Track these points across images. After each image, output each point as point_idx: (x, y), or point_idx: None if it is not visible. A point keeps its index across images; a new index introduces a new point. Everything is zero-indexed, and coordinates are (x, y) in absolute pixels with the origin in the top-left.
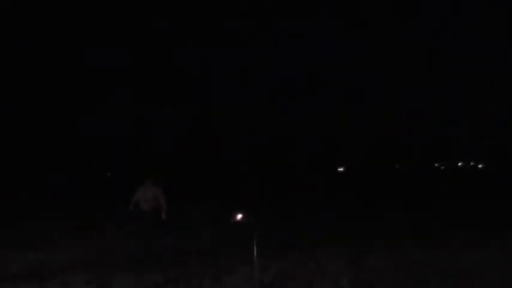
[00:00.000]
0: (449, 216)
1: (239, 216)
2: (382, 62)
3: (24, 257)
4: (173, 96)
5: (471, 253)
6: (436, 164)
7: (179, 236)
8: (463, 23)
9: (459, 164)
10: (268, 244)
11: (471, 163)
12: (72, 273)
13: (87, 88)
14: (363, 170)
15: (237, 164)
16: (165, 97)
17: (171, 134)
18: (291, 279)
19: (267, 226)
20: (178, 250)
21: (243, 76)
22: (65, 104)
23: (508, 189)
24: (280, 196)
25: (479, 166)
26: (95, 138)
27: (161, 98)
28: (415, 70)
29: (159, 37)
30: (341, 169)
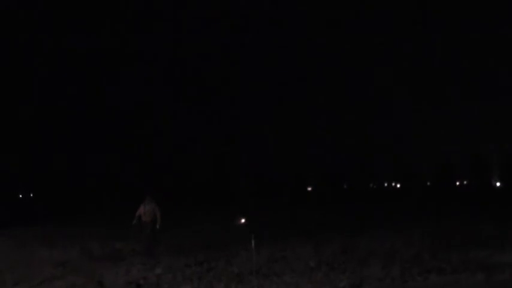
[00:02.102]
0: (391, 216)
1: (242, 220)
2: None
3: (107, 245)
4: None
5: (397, 238)
6: (370, 184)
7: (198, 234)
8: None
9: (385, 184)
10: (261, 238)
11: (392, 183)
12: (134, 257)
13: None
14: (325, 189)
15: (238, 178)
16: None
17: (172, 143)
18: (277, 261)
19: (261, 226)
20: (200, 243)
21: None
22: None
23: (420, 201)
24: (270, 205)
25: (398, 186)
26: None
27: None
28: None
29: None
30: (309, 188)
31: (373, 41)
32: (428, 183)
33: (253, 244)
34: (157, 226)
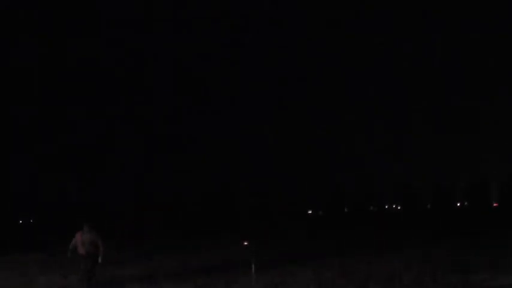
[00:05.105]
0: (390, 240)
1: (244, 243)
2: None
3: (107, 271)
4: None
5: (397, 261)
6: (371, 207)
7: (198, 256)
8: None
9: (386, 206)
10: (261, 262)
11: (393, 206)
12: (133, 284)
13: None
14: (325, 213)
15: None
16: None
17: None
18: (276, 286)
19: (261, 251)
20: (201, 266)
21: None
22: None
23: (421, 222)
24: (269, 228)
25: (399, 208)
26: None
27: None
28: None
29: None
30: (310, 212)
31: (373, 41)
32: (429, 206)
33: (253, 269)
34: (99, 260)
